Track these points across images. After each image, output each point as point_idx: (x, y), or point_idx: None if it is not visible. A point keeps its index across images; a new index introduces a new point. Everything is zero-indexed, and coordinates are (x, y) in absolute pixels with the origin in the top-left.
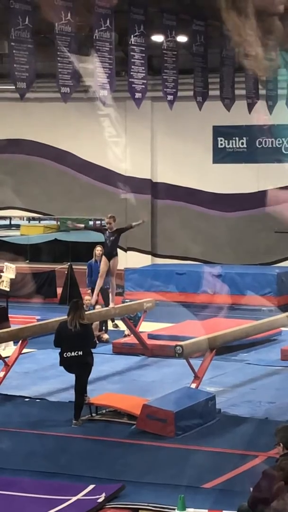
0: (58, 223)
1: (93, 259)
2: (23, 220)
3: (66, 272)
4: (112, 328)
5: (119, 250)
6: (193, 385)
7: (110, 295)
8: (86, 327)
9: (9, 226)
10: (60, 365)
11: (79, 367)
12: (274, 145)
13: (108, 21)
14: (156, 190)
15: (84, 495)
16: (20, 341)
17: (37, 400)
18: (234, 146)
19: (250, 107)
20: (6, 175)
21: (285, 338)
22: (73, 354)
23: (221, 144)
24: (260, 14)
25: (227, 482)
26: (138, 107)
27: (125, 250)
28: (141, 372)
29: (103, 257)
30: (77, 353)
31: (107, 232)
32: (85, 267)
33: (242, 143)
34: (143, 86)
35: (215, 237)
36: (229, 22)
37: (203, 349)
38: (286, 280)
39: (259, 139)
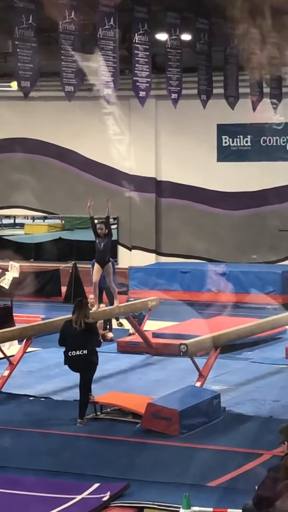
0: (63, 221)
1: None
2: (27, 219)
3: (70, 270)
4: (117, 327)
5: (123, 249)
6: (198, 384)
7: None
8: (91, 326)
9: (13, 225)
10: (65, 363)
11: (84, 366)
12: (278, 143)
13: (112, 19)
14: (160, 188)
15: (89, 494)
16: (25, 340)
17: (42, 399)
18: (239, 144)
19: (255, 105)
20: (10, 173)
21: None
22: (78, 353)
23: (226, 143)
24: (275, 12)
25: (232, 481)
26: (142, 106)
27: (130, 249)
28: (145, 370)
29: (96, 264)
30: (82, 352)
31: (98, 238)
32: (90, 266)
33: (247, 141)
34: (147, 85)
35: (219, 236)
36: (238, 21)
37: (208, 347)
38: None
39: (263, 137)
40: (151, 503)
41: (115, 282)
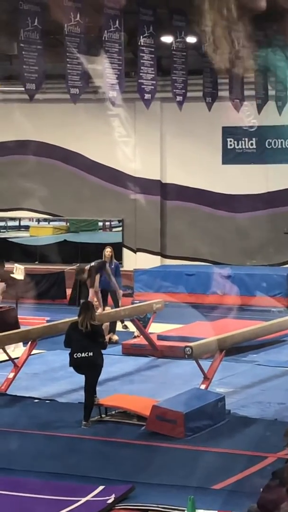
0: (68, 224)
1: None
2: (33, 221)
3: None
4: (122, 329)
5: (129, 252)
6: (203, 386)
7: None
8: (96, 328)
9: (19, 227)
10: (70, 365)
11: (89, 368)
12: (283, 146)
13: (117, 22)
14: (165, 191)
15: (94, 496)
16: (30, 342)
17: (47, 401)
18: (244, 147)
19: (260, 107)
20: (16, 176)
21: None
22: (83, 355)
23: (231, 145)
24: (243, 11)
25: (236, 483)
26: (147, 108)
27: (135, 251)
28: (150, 373)
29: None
30: (87, 354)
31: (106, 264)
32: None
33: (252, 144)
34: (153, 87)
35: (224, 238)
36: (209, 20)
37: (213, 350)
38: None
39: (268, 140)
40: (156, 505)
41: (120, 284)
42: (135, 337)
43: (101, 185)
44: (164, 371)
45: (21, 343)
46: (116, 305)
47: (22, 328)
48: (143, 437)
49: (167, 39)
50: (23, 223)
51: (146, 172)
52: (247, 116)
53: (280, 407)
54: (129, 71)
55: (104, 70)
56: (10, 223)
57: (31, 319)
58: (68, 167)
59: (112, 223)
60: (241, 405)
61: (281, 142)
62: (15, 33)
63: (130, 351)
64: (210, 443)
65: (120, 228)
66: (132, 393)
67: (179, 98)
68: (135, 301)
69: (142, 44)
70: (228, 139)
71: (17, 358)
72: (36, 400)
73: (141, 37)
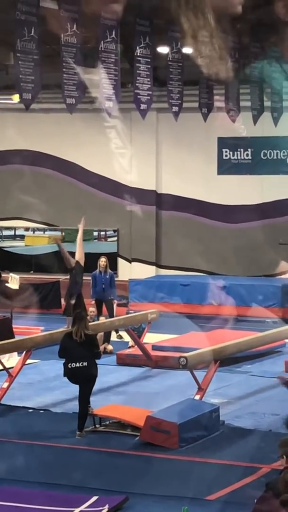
0: (63, 233)
1: (97, 270)
2: (28, 230)
3: None
4: (116, 339)
5: (124, 262)
6: (197, 397)
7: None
8: (91, 338)
9: (14, 237)
10: (64, 375)
11: (84, 378)
12: (279, 157)
13: (113, 32)
14: (161, 201)
15: (87, 507)
16: (24, 352)
17: (41, 411)
18: (239, 157)
19: (255, 118)
20: (11, 185)
21: None
22: (77, 365)
23: (226, 156)
24: (219, 15)
25: (231, 494)
26: (143, 118)
27: (130, 261)
28: (145, 383)
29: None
30: (82, 364)
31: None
32: (89, 278)
33: (247, 155)
34: (149, 98)
35: (219, 249)
36: (184, 23)
37: (207, 360)
38: None
39: (263, 151)
40: None
41: (114, 295)
42: (129, 347)
43: (97, 195)
44: (158, 381)
45: (15, 353)
46: (111, 315)
47: (17, 337)
48: (137, 448)
49: (163, 49)
50: (18, 232)
51: (142, 182)
52: (242, 128)
53: (274, 418)
54: (125, 82)
55: (100, 80)
56: (5, 233)
57: (25, 328)
58: (64, 177)
59: (107, 233)
60: (235, 416)
61: (277, 153)
62: (11, 43)
63: (125, 361)
64: (204, 454)
65: (115, 238)
66: (126, 403)
67: (175, 109)
68: (130, 311)
69: (138, 54)
70: (224, 150)
71: (12, 367)
72: (30, 410)
73: (138, 47)
